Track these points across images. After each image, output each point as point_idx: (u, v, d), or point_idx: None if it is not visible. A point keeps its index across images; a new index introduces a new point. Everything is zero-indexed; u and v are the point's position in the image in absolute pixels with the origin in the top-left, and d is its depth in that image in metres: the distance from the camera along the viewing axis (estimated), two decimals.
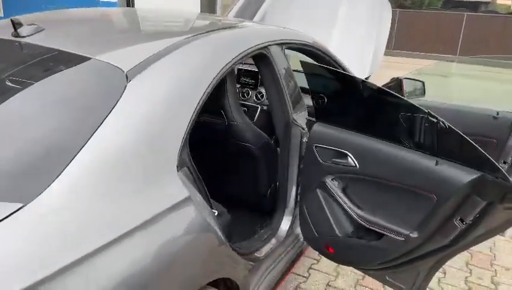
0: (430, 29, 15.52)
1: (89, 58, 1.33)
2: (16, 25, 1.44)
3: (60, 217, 0.95)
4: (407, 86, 2.73)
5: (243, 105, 2.75)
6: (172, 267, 1.14)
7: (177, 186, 1.21)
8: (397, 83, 2.71)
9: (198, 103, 1.34)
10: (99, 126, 1.10)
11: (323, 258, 2.25)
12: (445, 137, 1.40)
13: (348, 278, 2.44)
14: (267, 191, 2.20)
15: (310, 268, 2.52)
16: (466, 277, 2.53)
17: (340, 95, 1.77)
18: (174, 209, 1.16)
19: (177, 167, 1.23)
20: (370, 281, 2.32)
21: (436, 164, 1.40)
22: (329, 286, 2.38)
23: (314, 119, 1.80)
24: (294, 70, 2.07)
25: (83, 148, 1.05)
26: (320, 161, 1.74)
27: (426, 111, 1.40)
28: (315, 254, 2.51)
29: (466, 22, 15.29)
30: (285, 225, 2.06)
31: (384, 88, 1.70)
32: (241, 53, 1.61)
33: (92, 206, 1.00)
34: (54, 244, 0.91)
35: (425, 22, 15.77)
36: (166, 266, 1.11)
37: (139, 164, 1.14)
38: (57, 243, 0.91)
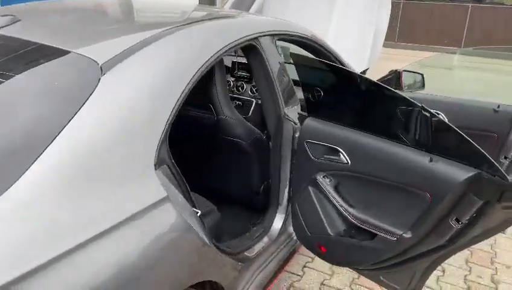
0: (434, 21, 15.32)
1: (63, 51, 1.26)
2: None
3: (23, 219, 0.89)
4: (406, 79, 2.65)
5: (238, 99, 2.67)
6: (148, 272, 1.08)
7: (154, 186, 1.14)
8: (396, 76, 2.62)
9: (180, 97, 1.28)
10: (69, 121, 1.04)
11: None
12: (439, 132, 1.33)
13: (343, 277, 2.38)
14: (260, 188, 2.14)
15: (305, 266, 2.46)
16: (465, 275, 2.46)
17: (332, 89, 1.70)
18: (150, 211, 1.10)
19: (155, 165, 1.17)
20: (366, 280, 2.25)
21: (430, 161, 1.32)
22: (324, 285, 2.32)
23: (306, 113, 1.74)
24: (287, 63, 1.99)
25: (50, 145, 0.99)
26: (312, 157, 1.68)
27: (420, 105, 1.32)
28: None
29: (471, 13, 15.08)
30: (278, 222, 2.00)
31: (377, 81, 1.63)
32: (228, 44, 1.54)
33: (58, 208, 0.94)
34: (16, 249, 0.85)
35: (429, 14, 15.56)
36: (141, 271, 1.05)
37: (112, 162, 1.07)
38: (19, 248, 0.85)
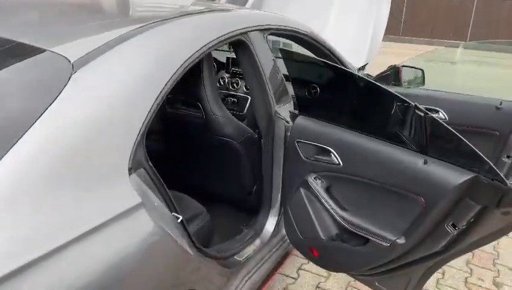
0: (439, 15, 15.11)
1: (36, 48, 1.19)
2: None
3: None
4: (405, 75, 2.56)
5: (233, 95, 2.60)
6: (120, 287, 1.01)
7: (128, 191, 1.07)
8: (395, 71, 2.53)
9: (159, 96, 1.20)
10: (35, 121, 0.97)
11: None
12: (434, 133, 1.25)
13: (339, 279, 2.30)
14: (252, 188, 2.06)
15: (300, 269, 2.39)
16: (466, 278, 2.38)
17: (324, 86, 1.62)
18: (122, 218, 1.03)
19: (130, 168, 1.10)
20: None
21: (425, 163, 1.25)
22: (319, 288, 2.25)
23: (297, 111, 1.66)
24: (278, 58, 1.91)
25: (12, 147, 0.92)
26: (303, 157, 1.61)
27: (413, 104, 1.24)
28: None
29: (476, 6, 14.86)
30: (270, 224, 1.94)
31: (371, 79, 1.54)
32: (213, 40, 1.47)
33: (20, 216, 0.87)
34: None
35: (434, 7, 15.35)
36: (112, 282, 0.99)
37: (82, 165, 1.00)
38: None
